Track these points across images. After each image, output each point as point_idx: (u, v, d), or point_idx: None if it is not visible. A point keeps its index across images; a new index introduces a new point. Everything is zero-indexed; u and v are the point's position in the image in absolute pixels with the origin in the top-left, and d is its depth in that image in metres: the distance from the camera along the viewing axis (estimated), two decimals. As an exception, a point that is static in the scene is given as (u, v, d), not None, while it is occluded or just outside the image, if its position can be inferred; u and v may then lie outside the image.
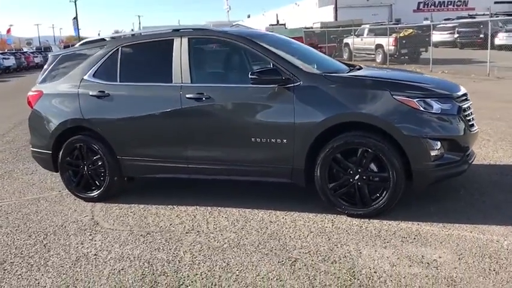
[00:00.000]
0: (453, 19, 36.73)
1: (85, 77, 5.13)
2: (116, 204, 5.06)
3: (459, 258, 3.42)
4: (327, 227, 4.12)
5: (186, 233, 4.21)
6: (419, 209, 4.33)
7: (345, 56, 26.30)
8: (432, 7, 55.80)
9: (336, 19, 44.09)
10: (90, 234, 4.32)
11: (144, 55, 5.09)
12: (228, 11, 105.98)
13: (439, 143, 4.05)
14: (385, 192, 4.12)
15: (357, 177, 4.18)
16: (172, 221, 4.49)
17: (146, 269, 3.58)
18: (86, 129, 5.13)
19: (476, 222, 4.00)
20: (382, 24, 27.25)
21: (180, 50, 4.74)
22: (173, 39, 4.83)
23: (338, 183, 4.27)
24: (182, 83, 4.68)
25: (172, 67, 4.74)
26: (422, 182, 4.13)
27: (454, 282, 3.11)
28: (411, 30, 21.61)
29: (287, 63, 4.40)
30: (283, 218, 4.38)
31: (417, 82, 4.39)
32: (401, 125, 4.00)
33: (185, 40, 4.77)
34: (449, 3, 56.00)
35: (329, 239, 3.87)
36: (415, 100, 4.03)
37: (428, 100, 4.07)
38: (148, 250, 3.90)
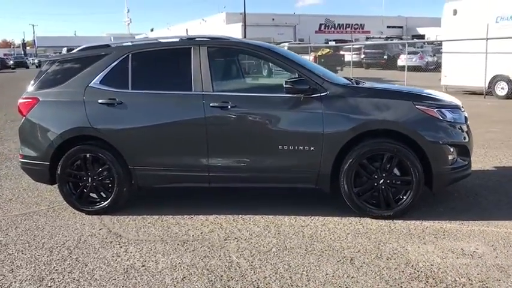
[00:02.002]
0: (350, 41, 39.53)
1: (91, 84, 4.92)
2: (126, 216, 4.89)
3: (494, 249, 3.84)
4: (359, 228, 4.38)
5: (225, 240, 4.22)
6: (430, 210, 4.75)
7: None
8: (332, 29, 59.59)
9: (244, 37, 45.16)
10: (121, 247, 4.16)
11: (158, 63, 5.01)
12: (128, 24, 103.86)
13: (452, 148, 4.52)
14: (408, 193, 4.47)
15: (381, 181, 4.49)
16: (201, 230, 4.47)
17: (209, 275, 3.56)
18: (93, 138, 4.91)
19: (486, 219, 4.50)
20: (299, 44, 28.51)
21: (200, 59, 4.76)
22: (190, 48, 4.83)
23: (363, 188, 4.55)
24: (203, 91, 4.69)
25: (191, 76, 4.74)
26: (441, 184, 4.57)
27: (504, 269, 3.51)
28: (328, 50, 22.96)
29: (313, 74, 4.63)
30: (311, 222, 4.56)
31: (430, 94, 4.84)
32: (424, 132, 4.40)
33: (204, 49, 4.80)
34: (347, 26, 60.16)
35: (369, 239, 4.12)
36: (434, 110, 4.46)
37: (443, 110, 4.53)
38: (197, 258, 3.86)
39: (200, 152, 4.72)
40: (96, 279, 3.58)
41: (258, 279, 3.47)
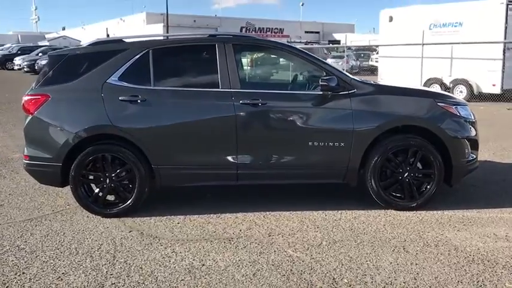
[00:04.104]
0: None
1: (108, 80, 4.69)
2: (148, 218, 4.72)
3: (522, 233, 4.23)
4: (390, 220, 4.59)
5: (269, 235, 4.24)
6: (443, 201, 5.06)
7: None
8: (253, 32, 60.33)
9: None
10: (166, 248, 4.02)
11: (181, 59, 4.90)
12: (36, 22, 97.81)
13: (467, 142, 4.88)
14: (431, 185, 4.76)
15: (406, 174, 4.74)
16: (238, 228, 4.44)
17: (279, 270, 3.57)
18: (112, 137, 4.69)
19: (496, 206, 4.92)
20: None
21: (226, 56, 4.72)
22: (215, 45, 4.77)
23: (389, 181, 4.78)
24: (231, 88, 4.66)
25: (218, 73, 4.69)
26: (458, 176, 4.90)
27: (541, 250, 3.88)
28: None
29: (340, 73, 4.79)
30: (342, 216, 4.70)
31: (445, 92, 5.18)
32: (446, 127, 4.72)
33: (229, 46, 4.76)
34: (267, 30, 61.34)
35: (407, 229, 4.34)
36: (452, 107, 4.80)
37: (458, 107, 4.88)
38: (254, 255, 3.85)
39: (229, 149, 4.68)
40: (162, 281, 3.45)
41: (329, 271, 3.54)
